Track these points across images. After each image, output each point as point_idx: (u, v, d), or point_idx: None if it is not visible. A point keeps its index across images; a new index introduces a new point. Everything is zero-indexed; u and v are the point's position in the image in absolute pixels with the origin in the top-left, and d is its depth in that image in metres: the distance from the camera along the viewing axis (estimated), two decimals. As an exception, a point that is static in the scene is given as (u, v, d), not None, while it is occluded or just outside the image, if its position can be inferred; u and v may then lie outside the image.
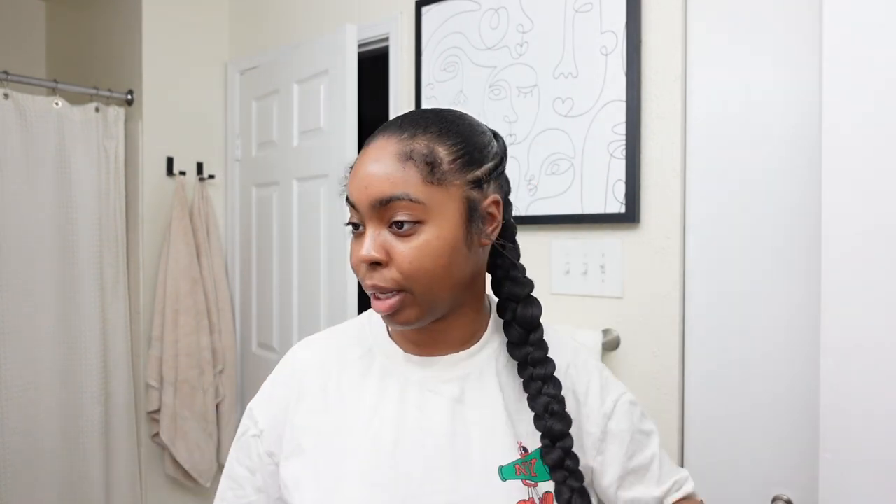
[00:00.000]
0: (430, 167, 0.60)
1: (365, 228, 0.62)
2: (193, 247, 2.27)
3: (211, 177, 2.37)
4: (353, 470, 0.63)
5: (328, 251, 1.90)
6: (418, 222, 0.59)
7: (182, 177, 2.27)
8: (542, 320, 0.69)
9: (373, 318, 0.74)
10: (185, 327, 2.21)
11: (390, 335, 0.71)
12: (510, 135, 1.57)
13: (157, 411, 2.20)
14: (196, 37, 2.36)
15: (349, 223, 0.64)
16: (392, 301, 0.60)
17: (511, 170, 1.56)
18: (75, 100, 2.14)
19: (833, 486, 0.98)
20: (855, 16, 0.96)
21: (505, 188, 0.69)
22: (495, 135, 0.69)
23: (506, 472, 0.64)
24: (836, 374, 0.98)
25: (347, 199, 0.63)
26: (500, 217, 0.66)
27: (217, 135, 2.44)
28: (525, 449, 0.66)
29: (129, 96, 2.23)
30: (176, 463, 2.24)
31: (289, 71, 2.07)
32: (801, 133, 1.20)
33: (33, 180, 2.00)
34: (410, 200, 0.59)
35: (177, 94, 2.30)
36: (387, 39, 1.89)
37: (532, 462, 0.66)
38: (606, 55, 1.42)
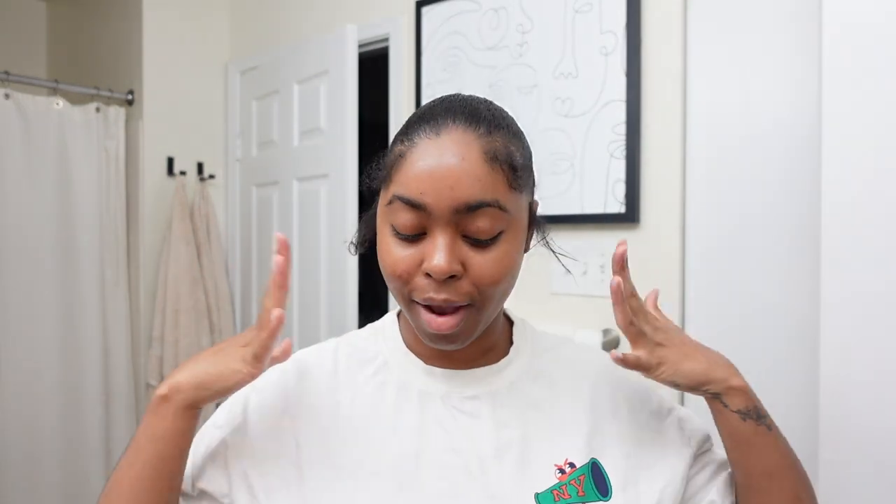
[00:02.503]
0: (514, 172, 0.54)
1: (427, 233, 0.54)
2: (194, 247, 2.27)
3: (211, 177, 2.37)
4: (370, 495, 0.56)
5: (328, 251, 1.90)
6: (500, 232, 0.54)
7: (182, 177, 2.27)
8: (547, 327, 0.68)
9: (387, 328, 0.68)
10: (185, 327, 2.21)
11: (407, 345, 0.65)
12: (510, 135, 1.57)
13: (158, 411, 2.20)
14: (196, 37, 2.36)
15: (396, 232, 0.55)
16: (457, 318, 0.54)
17: (511, 170, 1.57)
18: (76, 100, 2.14)
19: (833, 486, 0.98)
20: (854, 16, 0.97)
21: None
22: None
23: (543, 500, 0.57)
24: (836, 374, 0.98)
25: (407, 198, 0.53)
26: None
27: (217, 135, 2.44)
28: (572, 465, 0.59)
29: (130, 96, 2.24)
30: (176, 463, 2.24)
31: (289, 71, 2.08)
32: (801, 132, 1.20)
33: (34, 180, 2.00)
34: (499, 208, 0.53)
35: (177, 94, 2.30)
36: (387, 40, 1.89)
37: (581, 479, 0.59)
38: (606, 55, 1.42)
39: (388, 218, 0.56)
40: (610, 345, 1.40)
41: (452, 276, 0.53)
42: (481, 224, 0.53)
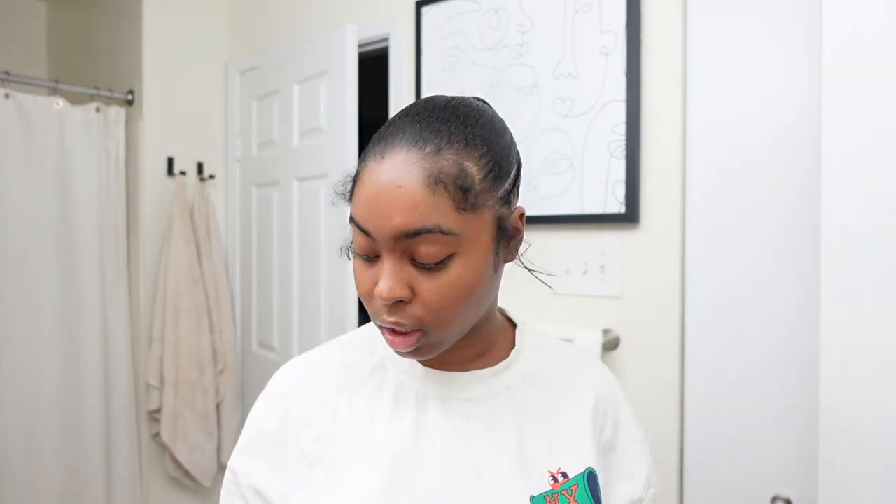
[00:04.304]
0: (463, 192, 0.51)
1: (380, 258, 0.53)
2: (194, 247, 2.27)
3: (211, 177, 2.37)
4: (367, 497, 0.56)
5: (328, 251, 1.90)
6: (448, 256, 0.52)
7: (182, 177, 2.27)
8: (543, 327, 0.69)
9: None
10: (185, 327, 2.21)
11: None
12: (510, 135, 1.57)
13: (158, 411, 2.21)
14: (196, 37, 2.36)
15: (355, 252, 0.55)
16: (412, 339, 0.54)
17: (511, 170, 1.57)
18: (76, 100, 2.14)
19: (833, 486, 0.98)
20: (854, 16, 0.97)
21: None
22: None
23: (537, 503, 0.58)
24: (836, 374, 0.98)
25: (356, 223, 0.53)
26: (523, 228, 0.59)
27: (217, 135, 2.44)
28: (564, 475, 0.59)
29: (130, 96, 2.24)
30: (177, 462, 2.25)
31: (289, 71, 2.08)
32: (801, 132, 1.20)
33: (34, 181, 2.00)
34: (442, 233, 0.50)
35: (177, 94, 2.30)
36: (387, 40, 1.89)
37: (573, 489, 0.59)
38: (606, 55, 1.42)
39: (352, 236, 0.56)
40: (610, 345, 1.40)
41: (401, 301, 0.53)
42: (424, 250, 0.51)
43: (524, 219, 0.59)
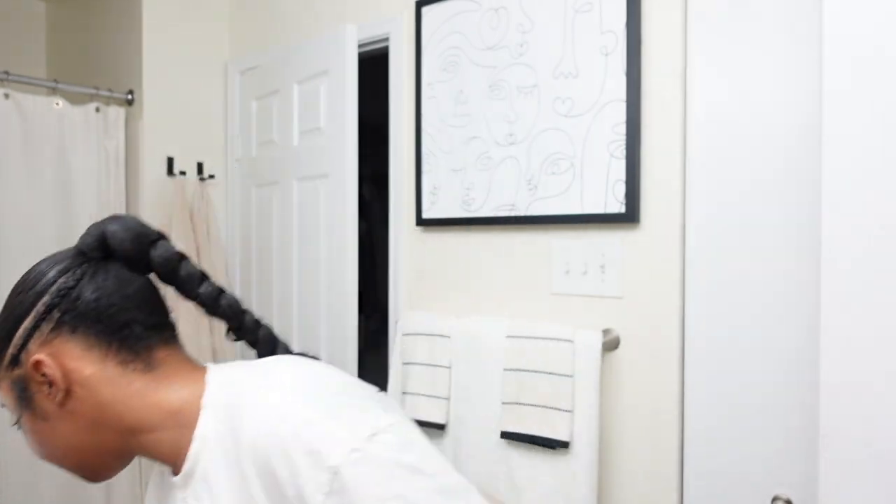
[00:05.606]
0: None
1: None
2: (194, 247, 2.27)
3: (211, 177, 2.37)
4: None
5: (328, 251, 1.90)
6: (18, 418, 0.63)
7: (182, 177, 2.27)
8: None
9: None
10: (185, 327, 2.20)
11: None
12: (510, 134, 1.57)
13: (158, 411, 2.20)
14: (196, 37, 2.36)
15: None
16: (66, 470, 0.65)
17: (511, 170, 1.56)
18: (76, 100, 2.14)
19: (833, 486, 0.98)
20: (855, 16, 0.96)
21: (83, 313, 0.60)
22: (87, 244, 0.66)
23: None
24: (836, 374, 0.98)
25: None
26: (57, 375, 0.58)
27: (217, 135, 2.44)
28: None
29: (130, 96, 2.24)
30: (176, 463, 2.24)
31: (289, 71, 2.07)
32: (802, 132, 1.20)
33: (34, 180, 2.00)
34: None
35: (177, 94, 2.30)
36: (387, 39, 1.89)
37: None
38: (606, 55, 1.42)
39: None
40: (610, 345, 1.40)
41: None
42: None
43: (44, 364, 0.58)
